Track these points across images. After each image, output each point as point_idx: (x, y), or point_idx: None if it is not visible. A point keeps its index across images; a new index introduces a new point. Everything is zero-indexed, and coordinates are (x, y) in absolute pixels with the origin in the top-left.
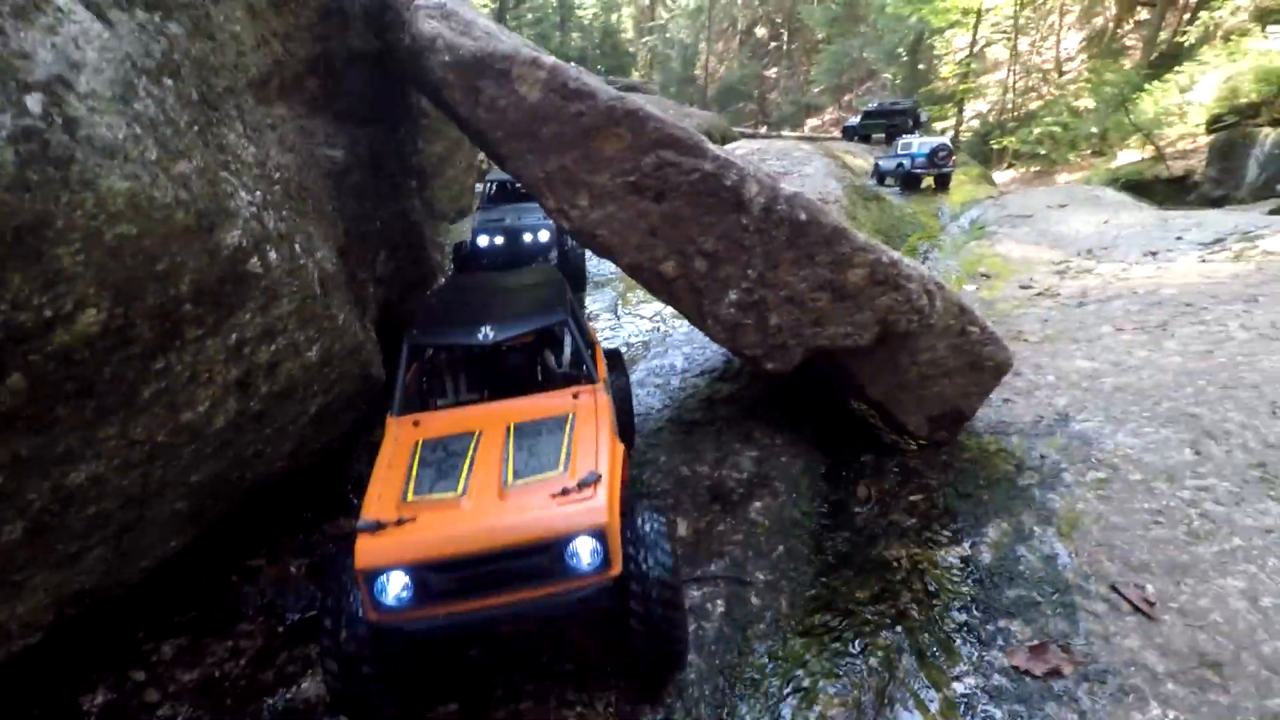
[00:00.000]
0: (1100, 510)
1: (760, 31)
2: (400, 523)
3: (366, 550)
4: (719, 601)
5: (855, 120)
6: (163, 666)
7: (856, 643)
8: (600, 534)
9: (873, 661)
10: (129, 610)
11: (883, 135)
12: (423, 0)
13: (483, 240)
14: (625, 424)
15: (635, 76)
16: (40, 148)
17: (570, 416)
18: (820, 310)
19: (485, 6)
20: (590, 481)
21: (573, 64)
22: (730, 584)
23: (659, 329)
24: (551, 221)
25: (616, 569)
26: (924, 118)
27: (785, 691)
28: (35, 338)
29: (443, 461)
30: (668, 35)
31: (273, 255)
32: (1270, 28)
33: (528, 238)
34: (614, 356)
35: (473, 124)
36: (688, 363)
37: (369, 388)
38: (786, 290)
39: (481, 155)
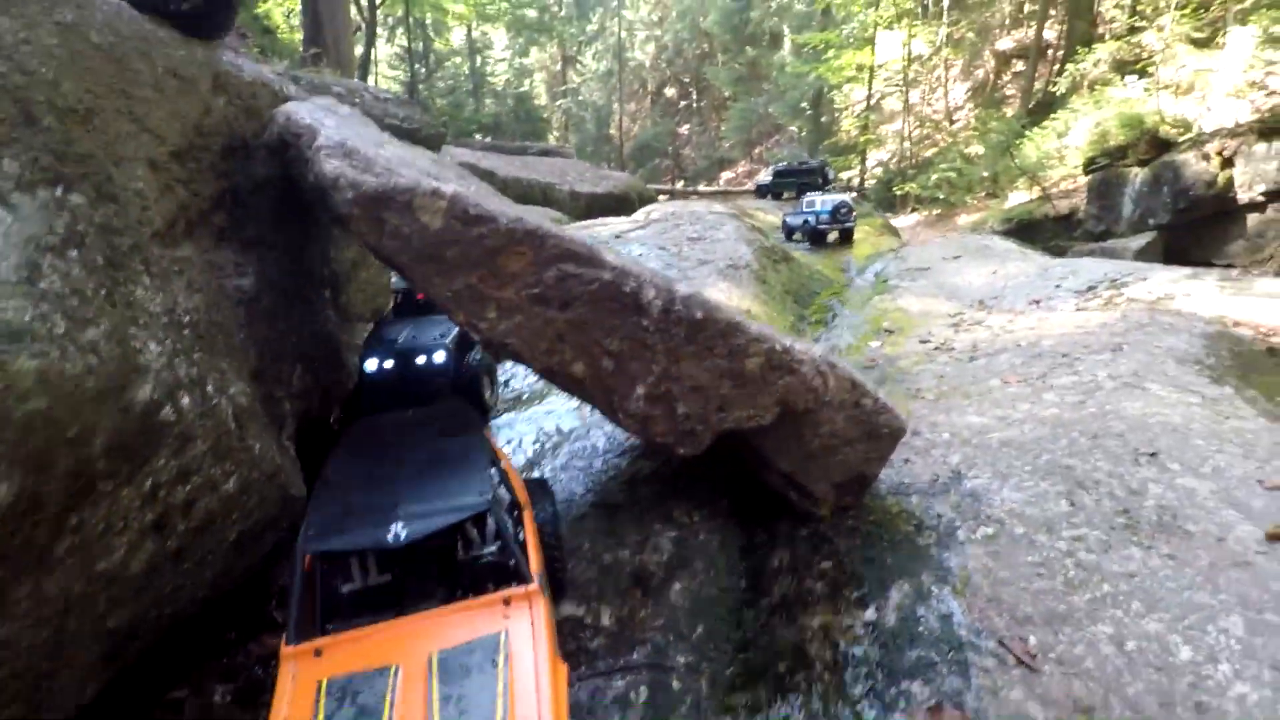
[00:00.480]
0: (989, 566)
1: (670, 91)
2: None
3: None
4: (641, 689)
5: (767, 178)
6: None
7: (774, 717)
8: None
9: None
10: None
11: (794, 193)
12: (323, 141)
13: (370, 364)
14: (555, 572)
15: (551, 140)
16: None
17: (502, 640)
18: (724, 397)
19: (396, 80)
20: None
21: (474, 185)
22: (652, 671)
23: (580, 409)
24: (448, 340)
25: None
26: (832, 175)
27: None
28: None
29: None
30: (580, 98)
31: (185, 401)
32: (1128, 78)
33: (420, 360)
34: (539, 487)
35: (380, 251)
36: (609, 442)
37: (290, 508)
38: (691, 381)
39: None
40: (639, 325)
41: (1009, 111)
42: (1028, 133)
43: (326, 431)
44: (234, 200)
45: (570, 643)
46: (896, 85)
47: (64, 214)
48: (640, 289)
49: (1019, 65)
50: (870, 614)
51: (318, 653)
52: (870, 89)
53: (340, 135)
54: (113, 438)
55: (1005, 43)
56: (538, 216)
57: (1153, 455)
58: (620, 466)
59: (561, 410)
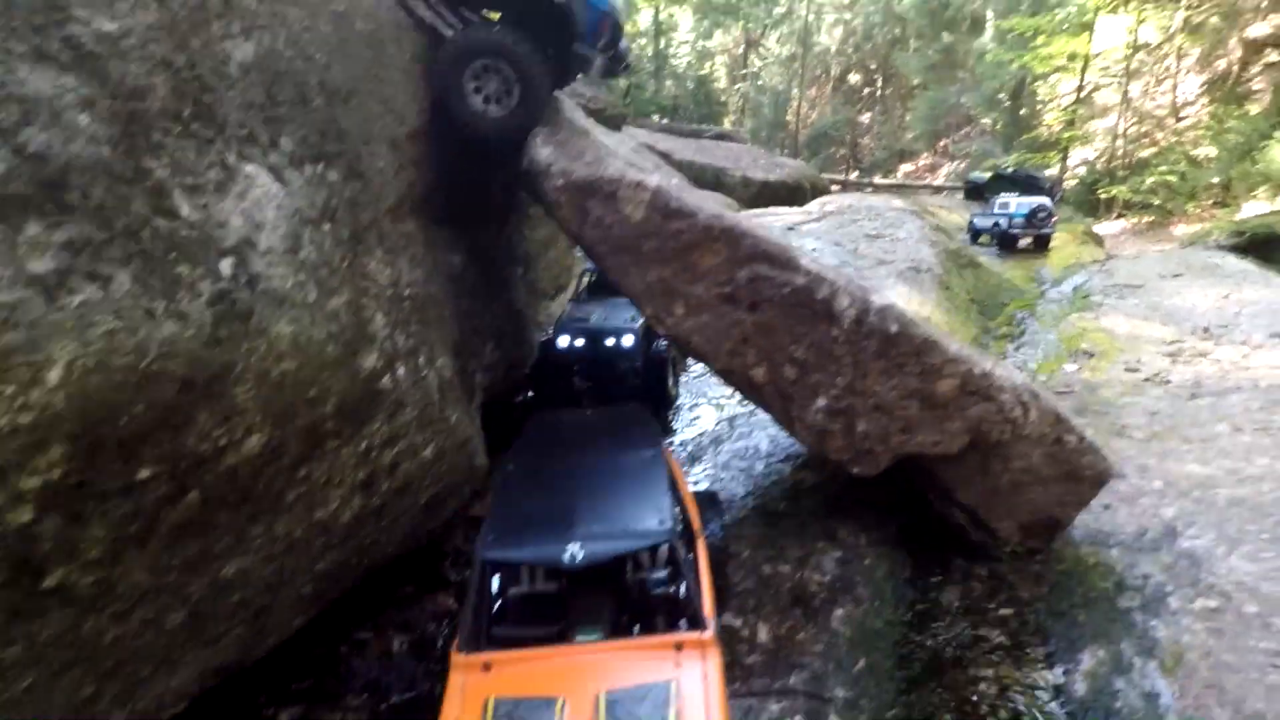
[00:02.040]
0: (1210, 645)
1: (854, 78)
2: None
3: None
4: (798, 718)
5: (983, 176)
6: None
7: None
8: None
9: None
10: (253, 679)
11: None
12: (540, 130)
13: (563, 341)
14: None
15: (726, 124)
16: (229, 306)
17: (672, 690)
18: (909, 419)
19: None
20: None
21: (675, 180)
22: (810, 699)
23: (746, 405)
24: (638, 325)
25: None
26: (1059, 197)
27: None
28: (210, 461)
29: None
30: (760, 83)
31: (400, 371)
32: None
33: (610, 342)
34: (709, 502)
35: (581, 238)
36: (773, 445)
37: (473, 475)
38: (875, 399)
39: None
40: (828, 334)
41: (1254, 109)
42: (1277, 134)
43: (509, 406)
44: (452, 180)
45: (726, 654)
46: (1114, 76)
47: (323, 189)
48: (834, 297)
49: (1273, 55)
50: (1058, 676)
51: (486, 667)
52: (1082, 80)
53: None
54: (342, 400)
55: (1260, 28)
56: (734, 215)
57: None
58: (784, 473)
59: (730, 404)
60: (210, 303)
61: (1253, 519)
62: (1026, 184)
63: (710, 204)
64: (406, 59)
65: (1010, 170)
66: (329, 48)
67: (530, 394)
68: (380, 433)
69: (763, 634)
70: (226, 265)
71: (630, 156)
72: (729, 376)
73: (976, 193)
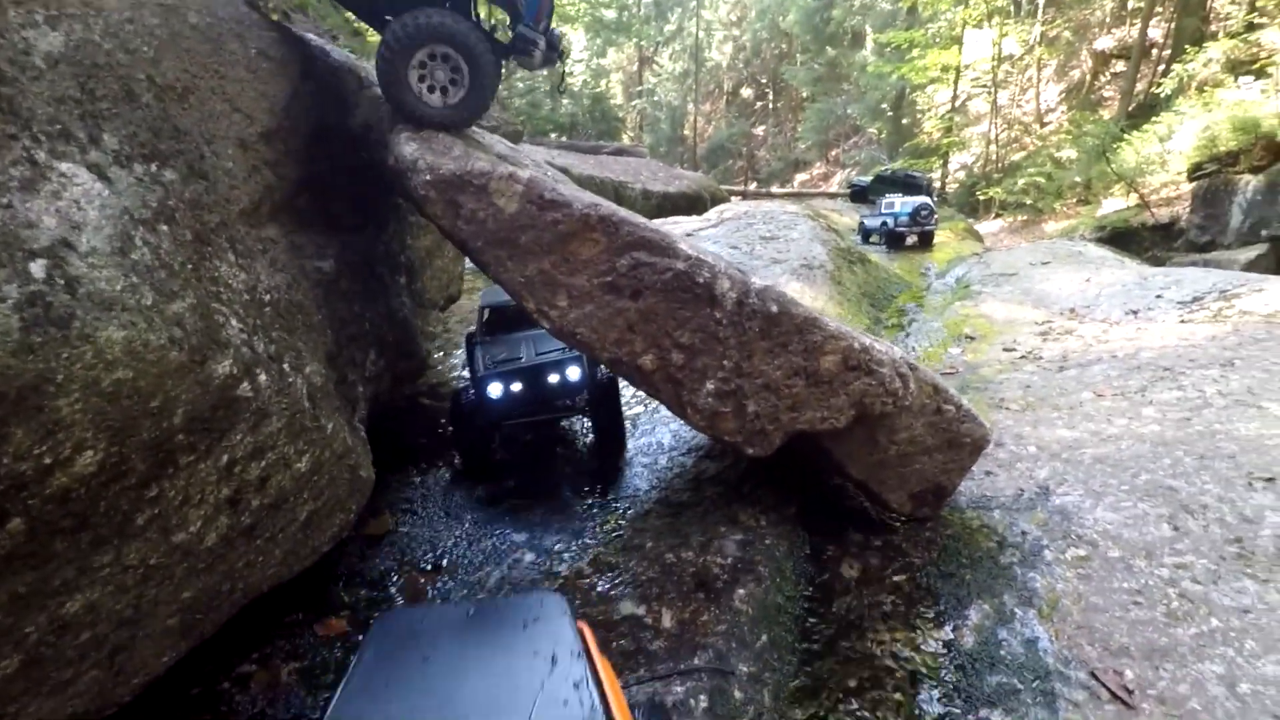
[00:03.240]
0: (1080, 590)
1: (746, 92)
2: None
3: None
4: (702, 696)
5: (864, 180)
6: None
7: None
8: None
9: None
10: None
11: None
12: (404, 124)
13: (495, 389)
14: None
15: (625, 139)
16: (43, 310)
17: None
18: (796, 396)
19: None
20: None
21: (549, 172)
22: (713, 676)
23: (647, 403)
24: (576, 352)
25: None
26: (934, 196)
27: None
28: (34, 483)
29: None
30: (656, 99)
31: (262, 378)
32: (1243, 79)
33: (553, 379)
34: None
35: (455, 235)
36: (675, 440)
37: (359, 488)
38: (762, 379)
39: None
40: (711, 318)
41: (1106, 114)
42: (1126, 136)
43: (399, 415)
44: (318, 183)
45: (629, 643)
46: (984, 86)
47: (157, 189)
48: (714, 280)
49: (1119, 65)
50: (947, 633)
51: None
52: (956, 90)
53: None
54: (193, 410)
55: (1105, 41)
56: (612, 204)
57: (1270, 480)
58: (686, 465)
59: (628, 399)
60: (18, 307)
61: (1114, 474)
62: (906, 184)
63: (587, 195)
64: (251, 55)
65: (889, 172)
66: (157, 41)
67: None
68: (244, 444)
69: (666, 619)
70: (38, 267)
71: (504, 152)
72: (618, 366)
73: (860, 195)
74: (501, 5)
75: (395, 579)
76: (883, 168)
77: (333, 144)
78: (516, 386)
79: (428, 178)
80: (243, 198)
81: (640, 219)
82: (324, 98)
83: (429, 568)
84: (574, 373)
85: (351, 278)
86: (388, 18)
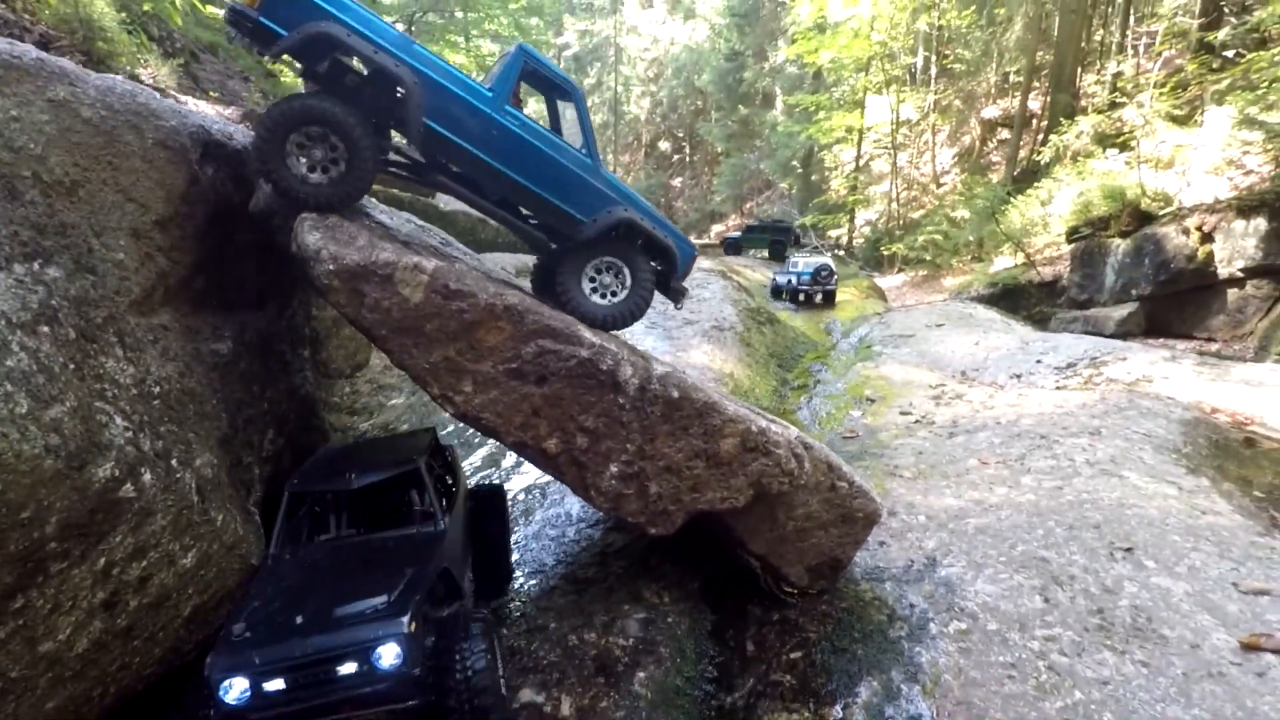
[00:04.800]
0: (961, 664)
1: (664, 145)
2: None
3: None
4: None
5: (736, 234)
6: None
7: None
8: None
9: None
10: None
11: (764, 250)
12: (308, 213)
13: (235, 690)
14: None
15: None
16: None
17: None
18: (697, 477)
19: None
20: None
21: (457, 261)
22: None
23: None
24: (407, 601)
25: None
26: (801, 237)
27: None
28: None
29: None
30: None
31: (147, 477)
32: (1110, 150)
33: (348, 669)
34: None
35: (359, 323)
36: (583, 510)
37: (248, 578)
38: (664, 461)
39: None
40: (615, 403)
41: (994, 177)
42: (1013, 199)
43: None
44: (217, 265)
45: None
46: (885, 148)
47: (39, 289)
48: (617, 367)
49: (1004, 133)
50: (838, 712)
51: None
52: (859, 150)
53: None
54: (68, 518)
55: (991, 111)
56: (518, 293)
57: (1128, 550)
58: (593, 538)
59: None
60: None
61: (993, 544)
62: (774, 233)
63: (494, 283)
64: (148, 145)
65: (759, 223)
66: (45, 137)
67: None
68: (124, 546)
69: (565, 708)
70: None
71: (412, 234)
72: (522, 450)
73: (734, 247)
74: (664, 263)
75: None
76: (753, 220)
77: (233, 225)
78: (276, 685)
79: (331, 268)
80: (134, 288)
81: (545, 308)
82: (226, 179)
83: None
84: (389, 656)
85: (250, 358)
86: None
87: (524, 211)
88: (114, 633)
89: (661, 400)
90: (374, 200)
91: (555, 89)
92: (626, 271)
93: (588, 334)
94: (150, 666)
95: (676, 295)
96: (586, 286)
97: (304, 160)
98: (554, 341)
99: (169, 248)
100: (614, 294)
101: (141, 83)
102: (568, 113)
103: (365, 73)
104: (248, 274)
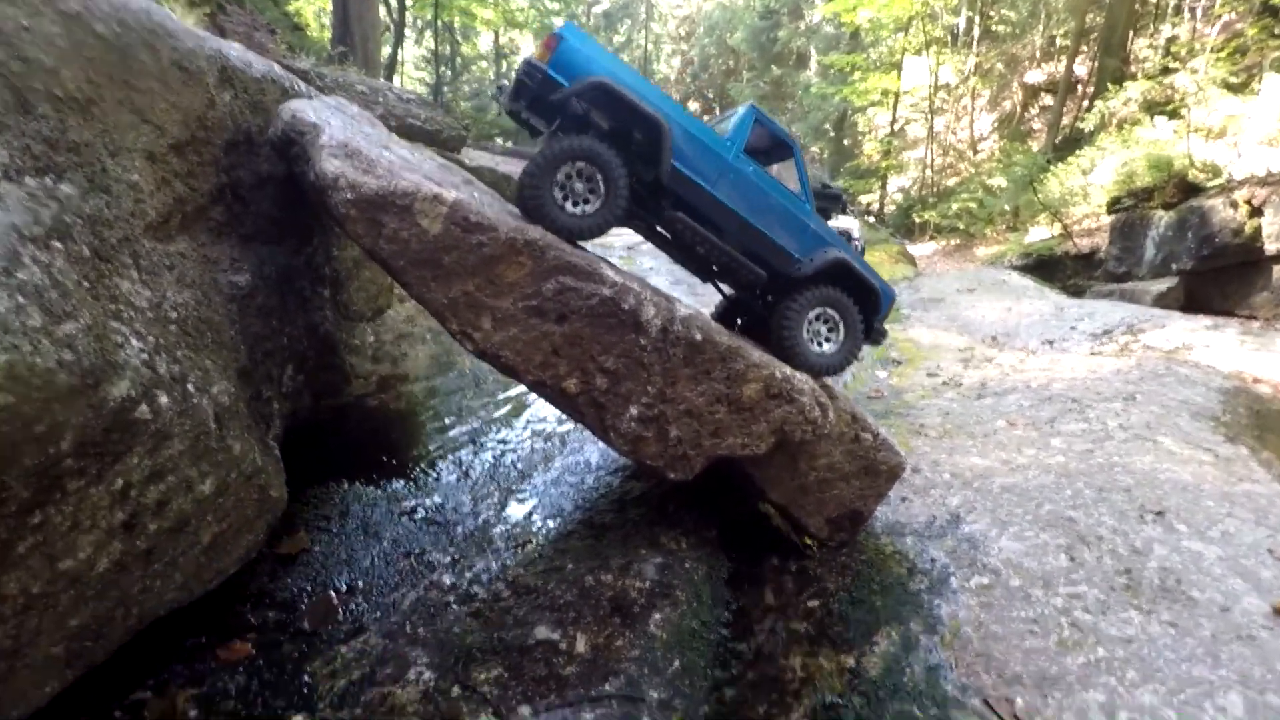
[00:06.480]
0: (981, 618)
1: (693, 106)
2: None
3: None
4: None
5: None
6: None
7: None
8: None
9: None
10: None
11: None
12: (326, 140)
13: None
14: None
15: None
16: None
17: None
18: (718, 422)
19: (423, 81)
20: None
21: (478, 193)
22: (623, 703)
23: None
24: None
25: None
26: (848, 204)
27: None
28: None
29: None
30: None
31: (163, 400)
32: (1158, 119)
33: None
34: None
35: (376, 254)
36: (602, 458)
37: (268, 509)
38: (685, 404)
39: None
40: (636, 343)
41: (1035, 145)
42: (1052, 168)
43: (329, 426)
44: (235, 195)
45: (542, 668)
46: (921, 112)
47: (51, 204)
48: (639, 307)
49: (1047, 99)
50: (856, 660)
51: None
52: (895, 114)
53: (344, 135)
54: (83, 435)
55: (1035, 75)
56: (540, 229)
57: (1159, 514)
58: (612, 485)
59: (554, 418)
60: None
61: (1019, 503)
62: (822, 199)
63: (516, 218)
64: (164, 66)
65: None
66: (57, 51)
67: None
68: (140, 468)
69: (581, 644)
70: None
71: (432, 171)
72: (541, 389)
73: None
74: (869, 305)
75: (306, 600)
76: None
77: (252, 155)
78: None
79: (349, 196)
80: (149, 211)
81: (567, 245)
82: (243, 107)
83: (343, 588)
84: None
85: (269, 292)
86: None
87: (744, 249)
88: (134, 554)
89: (684, 342)
90: (395, 136)
91: (779, 143)
92: (840, 321)
93: (610, 272)
94: (171, 592)
95: (878, 336)
96: (806, 333)
97: (563, 194)
98: (575, 279)
99: (185, 173)
100: (828, 340)
101: None
102: (787, 162)
103: (608, 121)
104: (266, 207)
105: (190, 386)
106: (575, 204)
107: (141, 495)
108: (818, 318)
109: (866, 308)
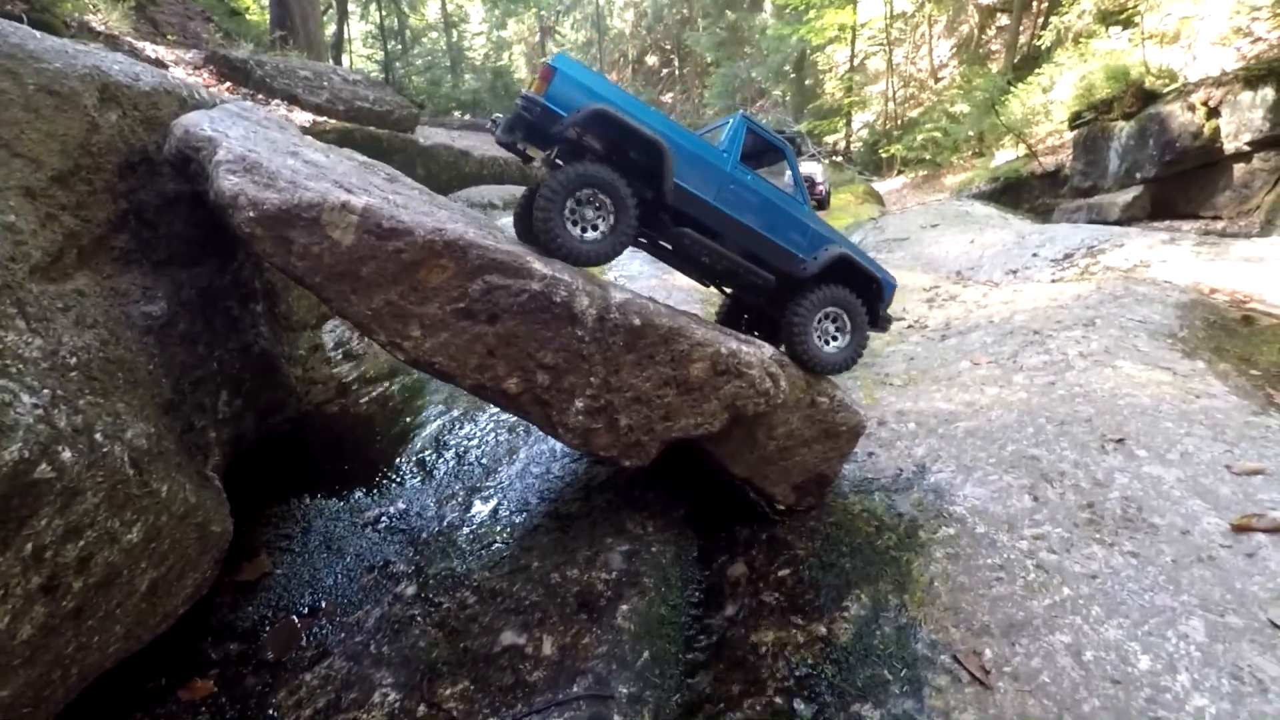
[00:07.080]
0: (949, 570)
1: (651, 59)
2: None
3: None
4: None
5: None
6: None
7: None
8: None
9: None
10: None
11: None
12: (223, 155)
13: None
14: None
15: None
16: None
17: None
18: (668, 405)
19: (372, 59)
20: None
21: (399, 194)
22: (592, 704)
23: None
24: None
25: None
26: (803, 147)
27: None
28: None
29: None
30: None
31: (66, 455)
32: (1113, 29)
33: None
34: None
35: (290, 271)
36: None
37: (212, 545)
38: (632, 392)
39: None
40: (574, 335)
41: (994, 67)
42: (1013, 89)
43: (283, 441)
44: (140, 220)
45: (509, 676)
46: (880, 44)
47: None
48: (572, 298)
49: (1003, 19)
50: (823, 627)
51: None
52: (853, 49)
53: (243, 147)
54: None
55: None
56: (462, 225)
57: (1119, 442)
58: (577, 472)
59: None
60: None
61: (983, 446)
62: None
63: (438, 217)
64: (29, 92)
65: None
66: None
67: None
68: (52, 528)
69: (547, 647)
70: None
71: (346, 174)
72: (482, 392)
73: None
74: (873, 295)
75: (268, 628)
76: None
77: (154, 175)
78: None
79: (251, 214)
80: (33, 253)
81: (491, 241)
82: (134, 125)
83: (305, 611)
84: None
85: (191, 318)
86: None
87: (748, 255)
88: (61, 615)
89: (623, 329)
90: (309, 139)
91: (770, 148)
92: (846, 318)
93: (538, 265)
94: (115, 644)
95: (885, 323)
96: (815, 333)
97: (574, 222)
98: (502, 276)
99: (74, 205)
100: (836, 339)
101: (94, 31)
102: (780, 165)
103: (608, 147)
104: (179, 228)
105: (99, 435)
106: (585, 230)
107: (58, 555)
108: (825, 317)
109: (870, 298)
